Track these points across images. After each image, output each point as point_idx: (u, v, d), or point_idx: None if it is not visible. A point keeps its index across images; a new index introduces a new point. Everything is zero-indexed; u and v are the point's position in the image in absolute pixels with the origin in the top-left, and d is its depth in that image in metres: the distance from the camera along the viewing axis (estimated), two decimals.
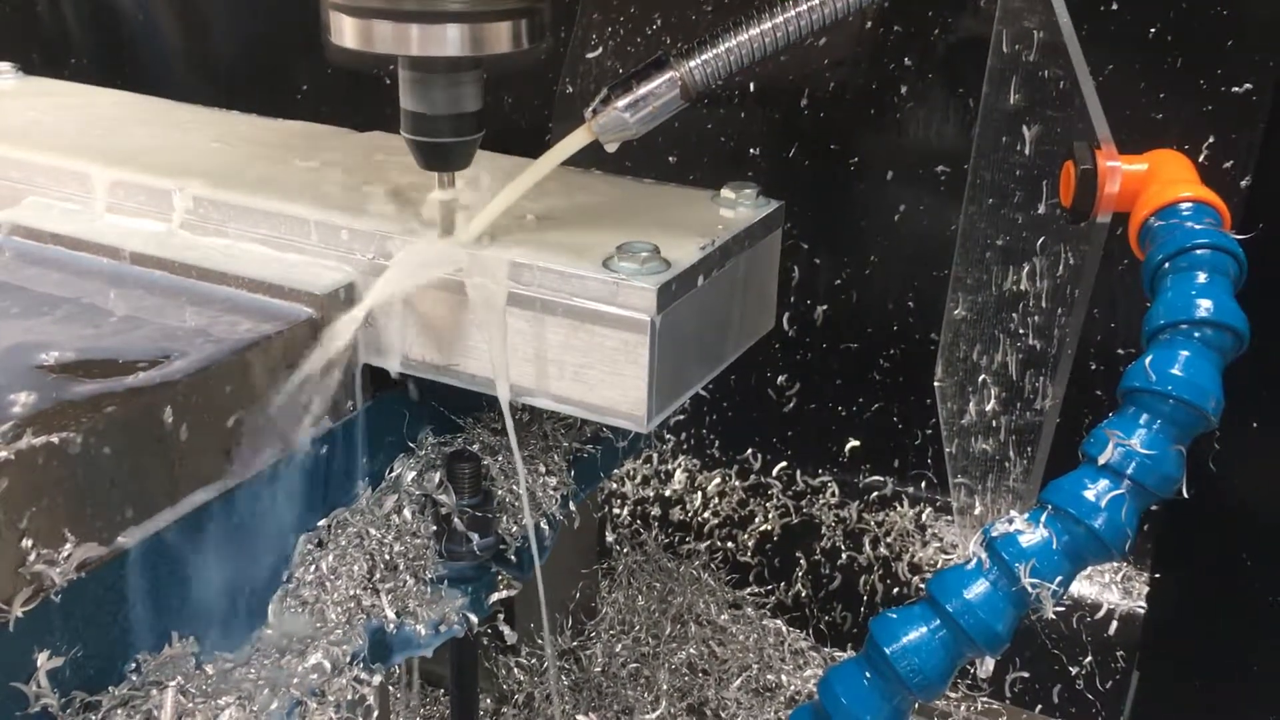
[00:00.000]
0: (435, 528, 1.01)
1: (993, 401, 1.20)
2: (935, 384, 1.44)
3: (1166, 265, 0.88)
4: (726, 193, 1.05)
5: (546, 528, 1.07)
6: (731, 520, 1.89)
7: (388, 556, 0.98)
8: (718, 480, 1.93)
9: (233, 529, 0.90)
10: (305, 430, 0.94)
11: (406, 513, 1.00)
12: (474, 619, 1.01)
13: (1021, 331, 1.09)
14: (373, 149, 1.20)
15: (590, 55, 1.76)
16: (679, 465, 1.95)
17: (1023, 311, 1.09)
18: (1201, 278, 0.86)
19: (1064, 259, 0.98)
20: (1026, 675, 1.68)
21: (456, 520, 1.00)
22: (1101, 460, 0.85)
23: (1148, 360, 0.85)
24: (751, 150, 1.73)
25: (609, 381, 0.91)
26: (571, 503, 1.12)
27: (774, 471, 1.90)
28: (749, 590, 1.80)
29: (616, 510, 1.91)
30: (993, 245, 1.20)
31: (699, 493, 1.93)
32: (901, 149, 1.67)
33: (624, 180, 1.14)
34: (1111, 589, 1.70)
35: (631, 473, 1.95)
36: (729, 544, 1.87)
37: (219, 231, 1.05)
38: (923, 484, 1.84)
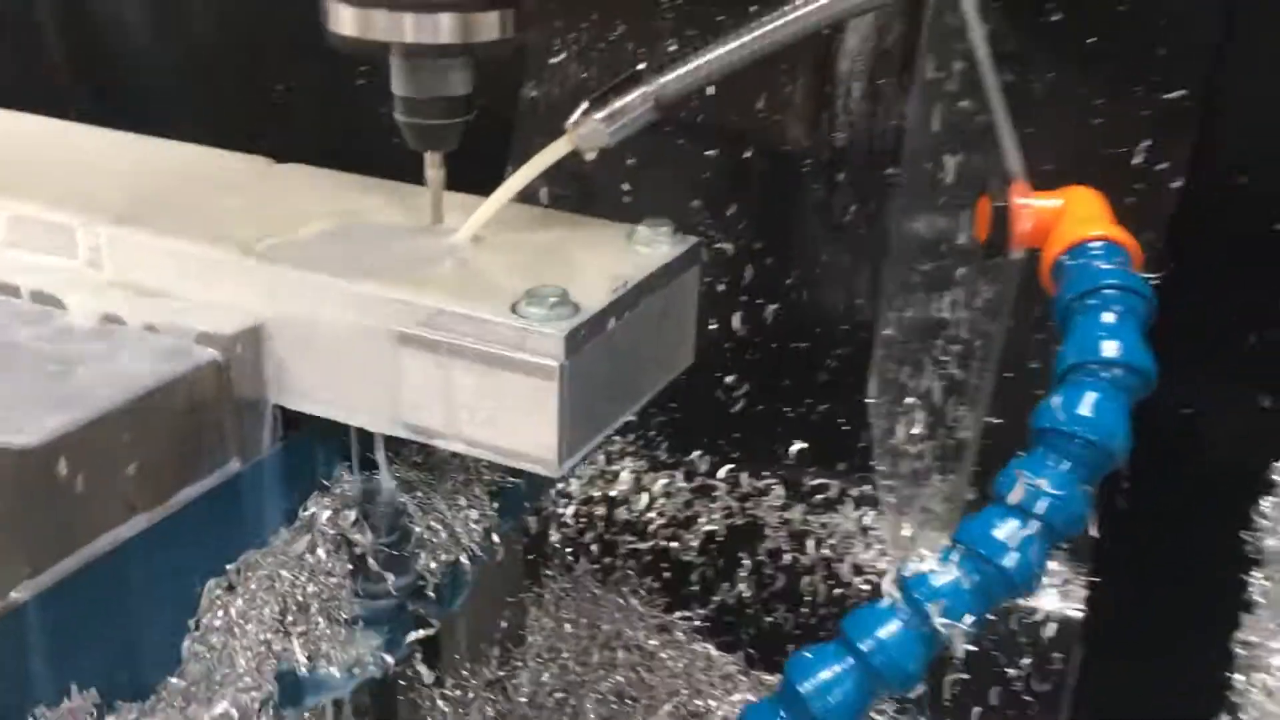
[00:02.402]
0: (351, 567, 1.00)
1: (919, 425, 1.19)
2: (867, 401, 1.43)
3: (1076, 304, 0.88)
4: (642, 229, 1.05)
5: (467, 563, 1.06)
6: (676, 520, 1.87)
7: (300, 598, 0.97)
8: (664, 481, 1.90)
9: (136, 577, 0.88)
10: (211, 475, 0.92)
11: (320, 552, 0.99)
12: (389, 659, 1.00)
13: (944, 359, 1.09)
14: (290, 184, 1.18)
15: (553, 61, 1.77)
16: (625, 466, 1.93)
17: (945, 339, 1.09)
18: (1109, 317, 0.86)
19: (981, 292, 0.97)
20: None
21: (371, 559, 0.99)
22: (1011, 500, 0.85)
23: (1056, 400, 0.85)
24: (707, 152, 1.73)
25: (519, 425, 0.90)
26: (494, 535, 1.11)
27: (720, 474, 1.87)
28: (679, 614, 1.79)
29: (560, 510, 1.88)
30: (916, 269, 1.20)
31: (644, 493, 1.90)
32: (854, 150, 1.67)
33: (543, 214, 1.14)
34: (1049, 593, 1.70)
35: (578, 473, 1.91)
36: (673, 544, 1.85)
37: (124, 270, 1.02)
38: (867, 486, 1.81)
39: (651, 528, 1.88)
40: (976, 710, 1.66)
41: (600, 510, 1.89)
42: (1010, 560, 0.84)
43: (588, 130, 1.01)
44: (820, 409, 1.80)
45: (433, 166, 1.08)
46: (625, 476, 1.92)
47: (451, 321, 0.91)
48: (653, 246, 1.03)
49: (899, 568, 0.90)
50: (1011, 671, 1.66)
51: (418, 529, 1.03)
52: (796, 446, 1.82)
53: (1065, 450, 0.84)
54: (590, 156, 1.03)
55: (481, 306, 0.90)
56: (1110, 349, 0.84)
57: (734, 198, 1.74)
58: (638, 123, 1.01)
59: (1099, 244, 0.89)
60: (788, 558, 1.82)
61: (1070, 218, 0.91)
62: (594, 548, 1.87)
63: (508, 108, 1.80)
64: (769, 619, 1.80)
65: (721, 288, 1.74)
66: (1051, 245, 0.91)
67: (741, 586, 1.82)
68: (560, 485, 1.88)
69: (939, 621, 0.86)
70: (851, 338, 1.74)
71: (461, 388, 0.91)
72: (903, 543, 1.26)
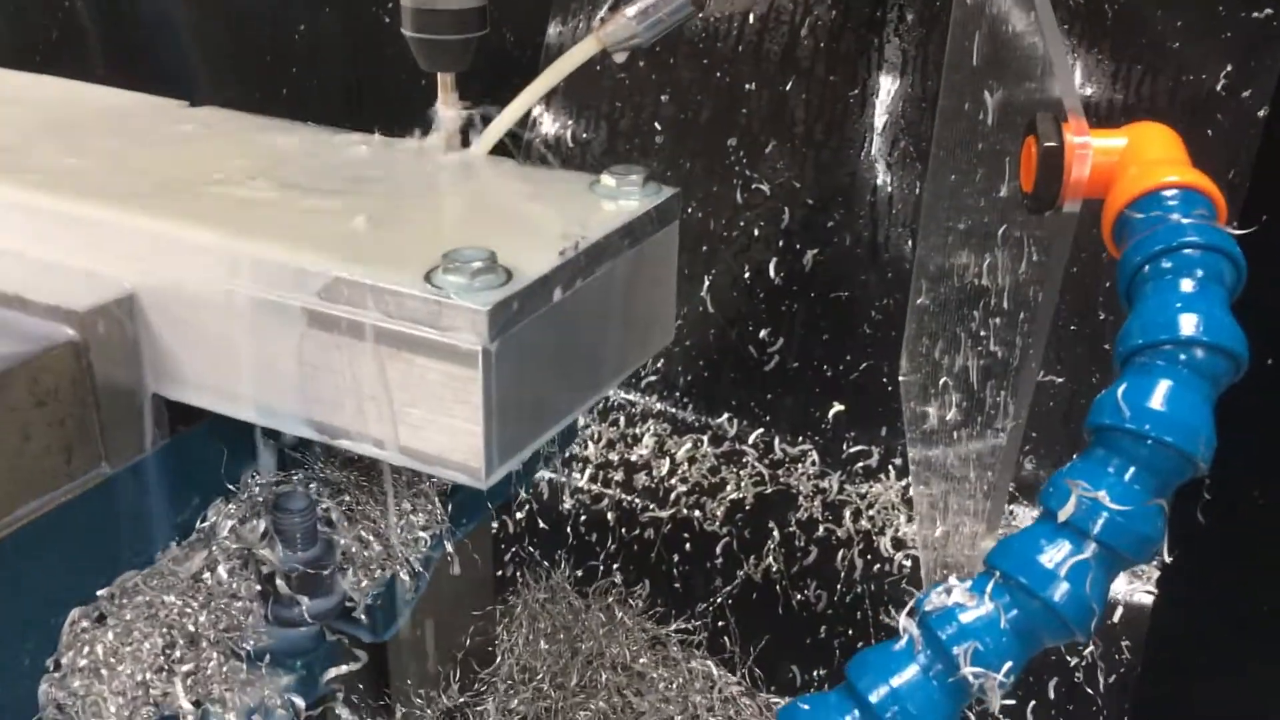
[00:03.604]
0: (259, 589, 0.84)
1: (954, 409, 1.03)
2: (900, 378, 1.29)
3: (1146, 269, 0.72)
4: (607, 179, 0.88)
5: (407, 578, 0.89)
6: (701, 488, 1.76)
7: (191, 628, 0.80)
8: (689, 445, 1.79)
9: None
10: (71, 482, 0.76)
11: (221, 571, 0.83)
12: (301, 703, 0.84)
13: (983, 334, 0.92)
14: (200, 129, 1.01)
15: None
16: (648, 429, 1.82)
17: (984, 310, 0.93)
18: (1188, 286, 0.71)
19: (1027, 254, 0.80)
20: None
21: (280, 580, 0.82)
22: (1062, 516, 0.70)
23: (1120, 390, 0.69)
24: (747, 86, 1.64)
25: (437, 424, 0.73)
26: (447, 542, 0.94)
27: (750, 439, 1.76)
28: (675, 625, 1.66)
29: (577, 475, 1.78)
30: (954, 229, 1.03)
31: (668, 458, 1.79)
32: (903, 86, 1.59)
33: (499, 164, 0.98)
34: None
35: (596, 435, 1.81)
36: (696, 512, 1.74)
37: None
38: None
39: (674, 496, 1.75)
40: (1032, 705, 1.53)
41: (619, 476, 1.77)
42: (1059, 593, 0.69)
43: (617, 27, 0.94)
44: (862, 367, 1.70)
45: (444, 89, 1.00)
46: (648, 441, 1.80)
47: (351, 292, 0.74)
48: (618, 200, 0.85)
49: (919, 599, 0.74)
50: (1073, 661, 1.54)
51: (343, 540, 0.86)
52: (835, 409, 1.71)
53: (1131, 454, 0.69)
54: (620, 58, 0.96)
55: (387, 273, 0.73)
56: (1189, 325, 0.69)
57: (772, 134, 1.65)
58: (674, 18, 0.94)
59: (1174, 192, 0.73)
60: (821, 530, 1.69)
61: (1138, 161, 0.75)
62: (596, 526, 1.75)
63: (532, 45, 1.72)
64: (785, 616, 1.67)
65: (757, 232, 1.65)
66: (1115, 195, 0.75)
67: (765, 566, 1.71)
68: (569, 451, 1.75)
69: (968, 670, 0.70)
70: (899, 287, 1.62)
71: (366, 376, 0.74)
72: (935, 545, 1.11)
